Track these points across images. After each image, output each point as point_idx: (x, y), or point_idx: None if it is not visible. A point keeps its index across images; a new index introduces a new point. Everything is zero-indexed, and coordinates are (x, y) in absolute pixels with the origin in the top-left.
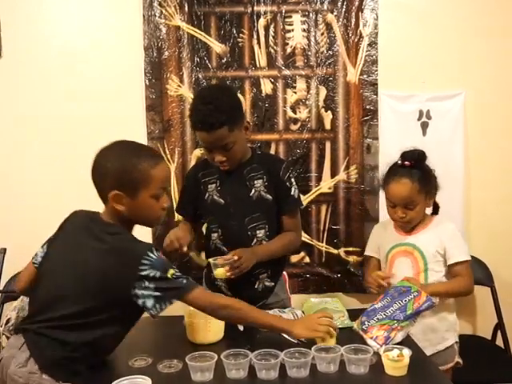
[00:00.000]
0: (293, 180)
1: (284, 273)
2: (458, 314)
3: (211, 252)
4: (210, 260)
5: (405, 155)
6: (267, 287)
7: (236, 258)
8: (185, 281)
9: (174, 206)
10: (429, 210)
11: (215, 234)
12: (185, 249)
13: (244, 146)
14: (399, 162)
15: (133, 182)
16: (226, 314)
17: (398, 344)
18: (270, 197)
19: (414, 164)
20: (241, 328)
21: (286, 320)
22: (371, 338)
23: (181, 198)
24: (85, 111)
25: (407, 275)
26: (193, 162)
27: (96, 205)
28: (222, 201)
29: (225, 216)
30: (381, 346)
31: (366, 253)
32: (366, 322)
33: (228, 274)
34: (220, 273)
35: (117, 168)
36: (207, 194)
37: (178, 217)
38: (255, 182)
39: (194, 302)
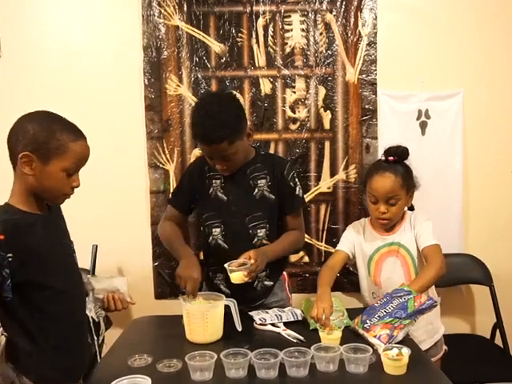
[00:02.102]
0: (297, 180)
1: (284, 273)
2: (456, 313)
3: (211, 248)
4: (226, 265)
5: (389, 151)
6: (266, 286)
7: (253, 261)
8: None
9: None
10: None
11: (217, 230)
12: (192, 297)
13: (245, 152)
14: (383, 157)
15: (47, 148)
16: None
17: (397, 343)
18: (273, 196)
19: (398, 160)
20: (239, 328)
21: None
22: (375, 336)
23: (179, 189)
24: (84, 111)
25: (398, 275)
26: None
27: (97, 203)
28: (225, 198)
29: (227, 213)
30: (385, 344)
31: (337, 247)
32: (368, 321)
33: (246, 278)
34: (237, 278)
35: (36, 130)
36: (211, 189)
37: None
38: (259, 181)
39: None
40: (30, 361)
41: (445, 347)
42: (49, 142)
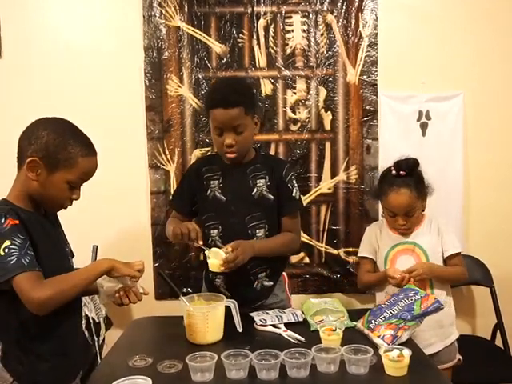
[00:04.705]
0: (294, 182)
1: (284, 273)
2: (457, 314)
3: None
4: (206, 252)
5: (400, 164)
6: (266, 287)
7: (230, 249)
8: (13, 261)
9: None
10: None
11: (215, 231)
12: (200, 242)
13: (252, 139)
14: (394, 171)
15: (56, 158)
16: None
17: (400, 344)
18: (271, 197)
19: (409, 172)
20: (240, 329)
21: (99, 261)
22: (378, 336)
23: (179, 192)
24: (84, 111)
25: None
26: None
27: (97, 203)
28: (224, 198)
29: (226, 213)
30: (388, 344)
31: (360, 254)
32: (373, 321)
33: (222, 268)
34: (214, 266)
35: (50, 138)
36: (209, 190)
37: None
38: (258, 181)
39: (16, 287)
40: (21, 368)
41: (459, 357)
42: (59, 152)
